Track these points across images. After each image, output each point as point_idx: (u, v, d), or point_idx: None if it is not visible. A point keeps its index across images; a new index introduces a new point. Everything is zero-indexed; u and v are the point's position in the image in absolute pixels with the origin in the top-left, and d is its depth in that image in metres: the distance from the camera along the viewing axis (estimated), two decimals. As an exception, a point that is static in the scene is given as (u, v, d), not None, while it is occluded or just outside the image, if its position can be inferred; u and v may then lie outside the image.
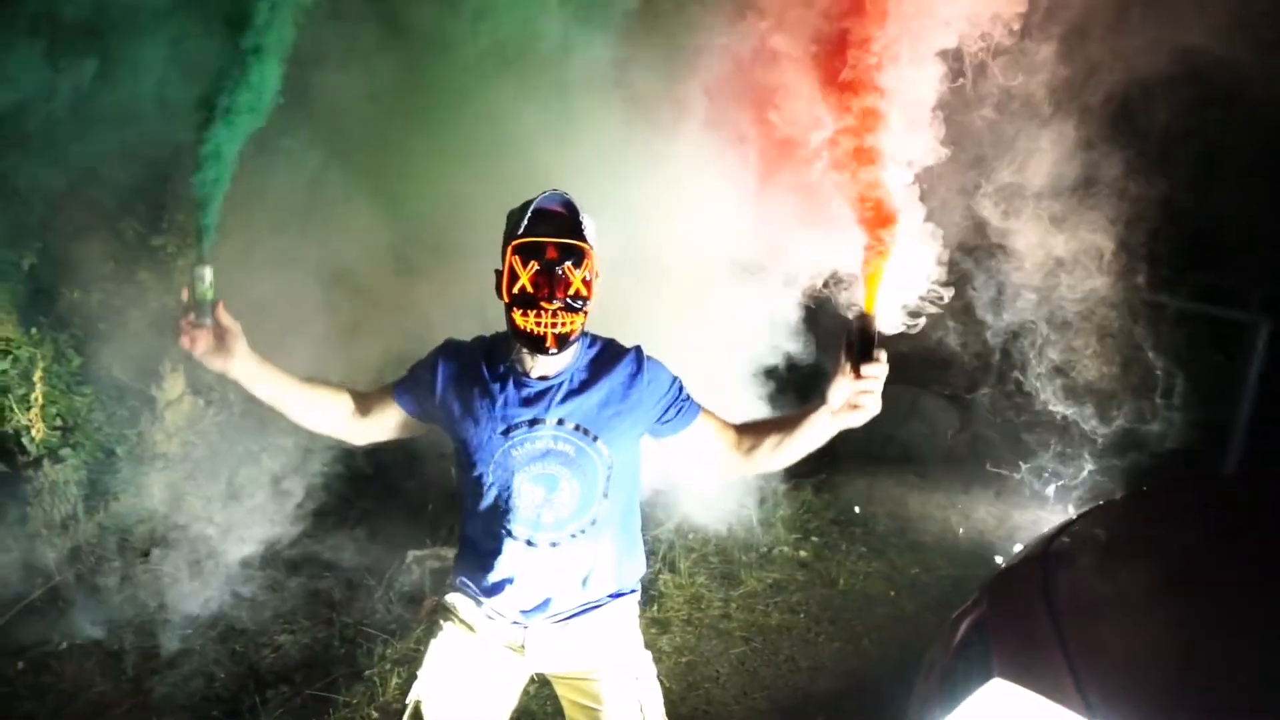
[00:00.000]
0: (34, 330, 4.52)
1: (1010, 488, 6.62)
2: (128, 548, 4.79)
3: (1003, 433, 7.03)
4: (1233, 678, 1.96)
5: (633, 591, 2.55)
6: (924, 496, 6.57)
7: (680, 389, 2.44)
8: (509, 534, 2.34)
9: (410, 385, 2.49)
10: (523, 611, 2.42)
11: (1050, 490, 6.40)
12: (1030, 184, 4.39)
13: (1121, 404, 5.96)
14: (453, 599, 2.54)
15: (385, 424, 2.54)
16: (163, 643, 4.27)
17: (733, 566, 5.31)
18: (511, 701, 2.56)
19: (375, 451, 5.12)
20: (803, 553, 5.54)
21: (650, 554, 5.18)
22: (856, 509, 6.24)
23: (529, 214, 2.21)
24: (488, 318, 2.57)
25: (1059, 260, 4.72)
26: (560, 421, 2.32)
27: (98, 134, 3.40)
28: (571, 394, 2.34)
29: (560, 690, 2.59)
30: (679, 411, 2.41)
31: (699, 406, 2.45)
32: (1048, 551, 2.70)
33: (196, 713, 3.88)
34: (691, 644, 4.54)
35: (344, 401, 2.51)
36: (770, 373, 4.51)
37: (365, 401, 2.52)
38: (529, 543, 2.34)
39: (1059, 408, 5.91)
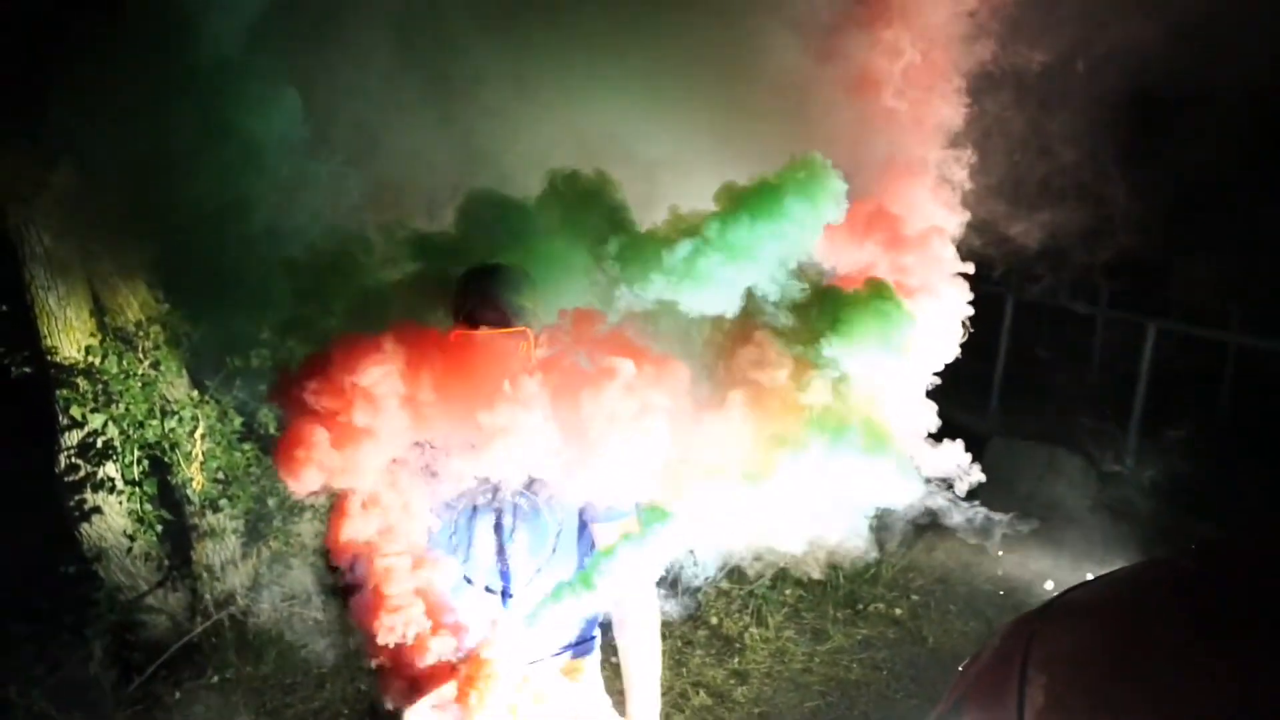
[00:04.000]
0: (195, 393, 5.09)
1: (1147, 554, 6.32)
2: (277, 591, 5.31)
3: (1151, 497, 6.78)
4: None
5: (589, 640, 2.68)
6: (1046, 560, 6.38)
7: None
8: (468, 580, 2.49)
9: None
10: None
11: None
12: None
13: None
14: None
15: None
16: (300, 679, 4.75)
17: (824, 621, 5.38)
18: None
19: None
20: (898, 610, 5.54)
21: (742, 608, 5.36)
22: (966, 569, 6.15)
23: (470, 299, 2.33)
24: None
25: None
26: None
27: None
28: None
29: None
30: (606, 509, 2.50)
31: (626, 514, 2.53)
32: (1051, 605, 2.76)
33: (317, 743, 4.32)
34: (768, 696, 4.65)
35: None
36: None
37: None
38: (487, 589, 2.50)
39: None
